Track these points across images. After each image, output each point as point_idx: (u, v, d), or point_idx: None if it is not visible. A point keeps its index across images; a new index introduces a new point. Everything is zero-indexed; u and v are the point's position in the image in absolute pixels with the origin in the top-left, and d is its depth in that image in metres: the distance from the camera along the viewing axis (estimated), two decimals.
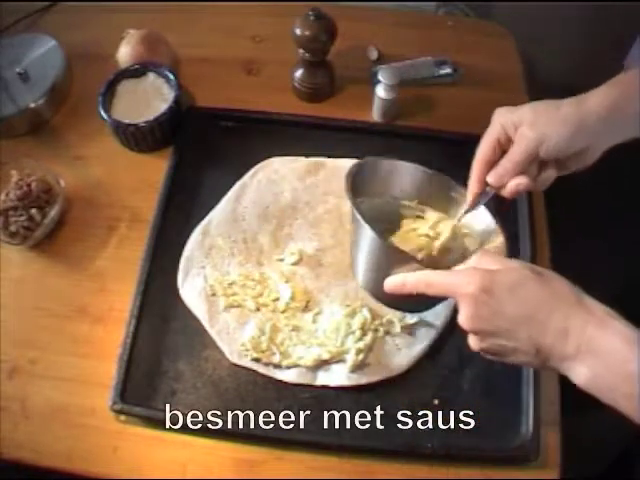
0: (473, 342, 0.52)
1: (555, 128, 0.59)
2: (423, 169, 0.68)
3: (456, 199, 0.66)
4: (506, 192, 0.62)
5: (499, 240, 0.62)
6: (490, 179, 0.61)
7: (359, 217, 0.58)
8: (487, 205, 0.63)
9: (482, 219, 0.64)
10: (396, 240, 0.65)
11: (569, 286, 0.50)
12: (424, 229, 0.65)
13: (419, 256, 0.63)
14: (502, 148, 0.62)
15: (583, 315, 0.47)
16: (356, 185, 0.63)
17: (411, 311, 0.69)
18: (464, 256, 0.62)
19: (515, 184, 0.60)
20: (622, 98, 0.59)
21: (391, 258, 0.58)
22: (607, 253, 1.05)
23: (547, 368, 0.50)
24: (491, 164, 0.62)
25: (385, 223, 0.65)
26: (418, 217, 0.67)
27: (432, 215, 0.66)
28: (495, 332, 0.50)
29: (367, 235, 0.58)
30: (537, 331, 0.48)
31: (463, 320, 0.51)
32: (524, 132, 0.60)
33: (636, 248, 0.97)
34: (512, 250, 0.75)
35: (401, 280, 0.55)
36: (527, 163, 0.60)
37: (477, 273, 0.51)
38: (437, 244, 0.64)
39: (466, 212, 0.64)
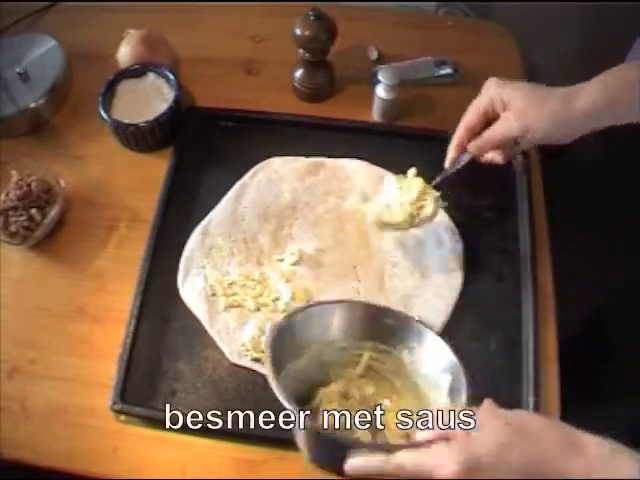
0: None
1: (541, 122, 0.62)
2: (347, 304, 0.63)
3: (393, 325, 0.61)
4: (482, 160, 0.69)
5: (461, 379, 0.55)
6: (470, 148, 0.68)
7: (290, 407, 0.51)
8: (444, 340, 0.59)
9: (442, 357, 0.58)
10: (333, 391, 0.60)
11: (555, 428, 0.46)
12: (360, 369, 0.61)
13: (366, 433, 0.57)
14: (487, 118, 0.67)
15: (581, 461, 0.43)
16: (278, 355, 0.55)
17: None
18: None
19: (491, 157, 0.68)
20: (612, 98, 0.61)
21: (337, 445, 0.51)
22: (607, 253, 1.05)
23: None
24: (474, 132, 0.67)
25: (320, 375, 0.61)
26: (355, 354, 0.62)
27: (366, 354, 0.61)
28: None
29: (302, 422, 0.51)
30: None
31: None
32: (510, 119, 0.63)
33: (636, 248, 0.97)
34: (512, 250, 0.76)
35: (364, 466, 0.49)
36: (506, 143, 0.66)
37: (454, 449, 0.45)
38: (422, 215, 0.66)
39: (444, 174, 0.70)
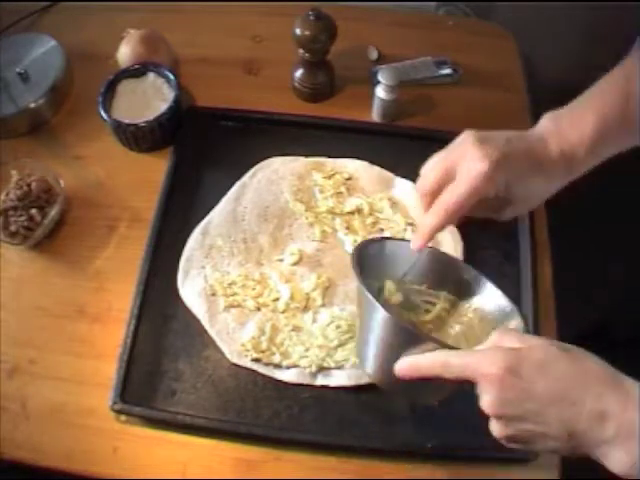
0: (497, 429, 0.47)
1: (545, 193, 0.61)
2: (431, 250, 0.63)
3: (468, 281, 0.62)
4: None
5: (515, 322, 0.57)
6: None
7: (368, 295, 0.53)
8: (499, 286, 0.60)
9: (494, 300, 0.60)
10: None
11: (601, 364, 0.46)
12: (430, 317, 0.62)
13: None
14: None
15: (620, 396, 0.43)
16: (361, 265, 0.57)
17: (424, 402, 0.64)
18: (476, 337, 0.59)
19: None
20: (606, 145, 0.58)
21: (405, 339, 0.53)
22: (608, 252, 1.05)
23: (578, 454, 0.46)
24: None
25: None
26: (428, 302, 0.63)
27: (439, 305, 0.62)
28: (522, 416, 0.45)
29: (378, 315, 0.53)
30: (570, 414, 0.43)
31: (487, 405, 0.46)
32: (518, 209, 0.61)
33: (638, 247, 0.97)
34: (512, 250, 0.76)
35: (414, 362, 0.50)
36: None
37: (500, 352, 0.46)
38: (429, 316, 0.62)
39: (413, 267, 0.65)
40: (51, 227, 0.78)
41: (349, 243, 0.76)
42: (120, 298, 0.73)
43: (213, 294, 0.72)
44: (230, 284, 0.73)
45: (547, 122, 0.59)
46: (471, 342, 0.60)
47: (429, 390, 0.57)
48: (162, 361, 0.69)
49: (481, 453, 0.64)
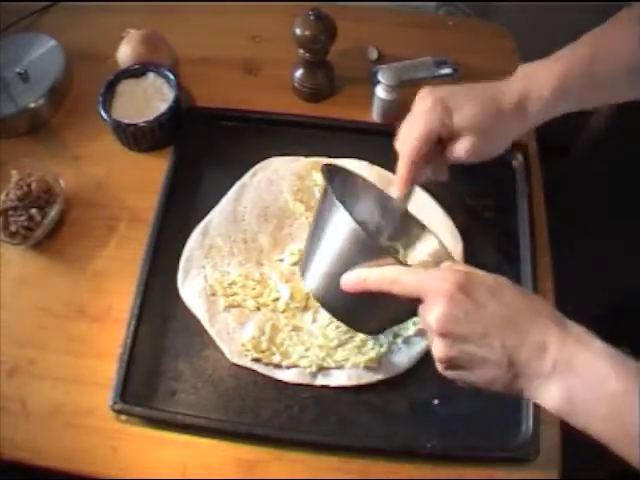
0: (439, 348, 0.46)
1: (504, 144, 0.63)
2: (396, 204, 0.65)
3: (415, 234, 0.66)
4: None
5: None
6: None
7: (335, 200, 0.50)
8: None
9: (430, 246, 0.64)
10: None
11: (548, 304, 0.48)
12: None
13: None
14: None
15: (562, 332, 0.44)
16: (330, 180, 0.58)
17: (366, 331, 0.63)
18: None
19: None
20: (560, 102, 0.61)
21: (364, 252, 0.50)
22: (608, 253, 1.05)
23: (512, 390, 0.46)
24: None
25: None
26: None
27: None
28: (467, 336, 0.45)
29: (342, 224, 0.50)
30: (513, 341, 0.44)
31: (434, 320, 0.45)
32: (470, 150, 0.61)
33: (637, 248, 0.97)
34: (512, 250, 0.76)
35: (363, 275, 0.49)
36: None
37: (453, 272, 0.47)
38: None
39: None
40: (51, 227, 0.78)
41: None
42: (120, 298, 0.73)
43: (213, 294, 0.72)
44: (230, 284, 0.73)
45: (519, 69, 0.63)
46: None
47: (369, 314, 0.56)
48: (162, 361, 0.69)
49: (481, 453, 0.64)
